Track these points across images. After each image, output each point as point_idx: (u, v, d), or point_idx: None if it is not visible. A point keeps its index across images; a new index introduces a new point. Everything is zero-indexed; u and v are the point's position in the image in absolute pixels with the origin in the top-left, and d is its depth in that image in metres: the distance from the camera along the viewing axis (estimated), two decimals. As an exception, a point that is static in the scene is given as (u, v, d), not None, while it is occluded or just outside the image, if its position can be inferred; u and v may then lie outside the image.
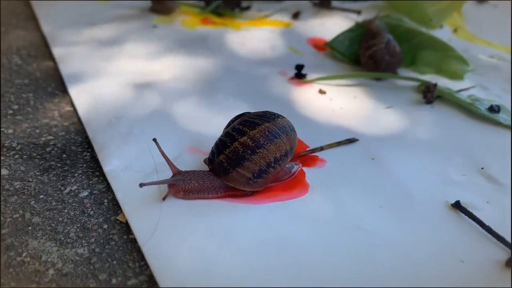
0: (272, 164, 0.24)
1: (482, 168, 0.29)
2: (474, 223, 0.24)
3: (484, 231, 0.24)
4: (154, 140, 0.24)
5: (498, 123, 0.34)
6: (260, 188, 0.24)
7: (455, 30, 0.51)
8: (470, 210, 0.25)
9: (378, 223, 0.24)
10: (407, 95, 0.37)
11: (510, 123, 0.33)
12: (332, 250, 0.22)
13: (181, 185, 0.23)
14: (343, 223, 0.24)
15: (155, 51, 0.39)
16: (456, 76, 0.40)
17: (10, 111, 0.32)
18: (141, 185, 0.22)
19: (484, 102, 0.35)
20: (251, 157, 0.23)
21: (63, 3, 0.47)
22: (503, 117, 0.34)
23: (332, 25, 0.47)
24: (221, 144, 0.24)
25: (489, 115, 0.34)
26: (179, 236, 0.22)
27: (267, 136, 0.24)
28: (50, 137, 0.29)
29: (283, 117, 0.25)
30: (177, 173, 0.24)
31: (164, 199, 0.24)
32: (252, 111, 0.32)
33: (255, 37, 0.43)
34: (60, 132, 0.30)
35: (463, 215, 0.25)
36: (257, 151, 0.23)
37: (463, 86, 0.39)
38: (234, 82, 0.36)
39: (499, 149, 0.31)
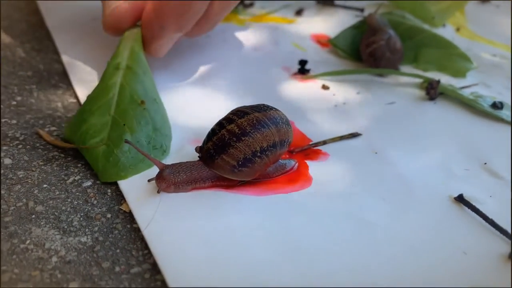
0: (258, 154, 0.23)
1: (485, 163, 0.29)
2: (477, 216, 0.24)
3: (487, 224, 0.24)
4: (126, 141, 0.24)
5: (500, 119, 0.34)
6: (246, 178, 0.24)
7: (457, 29, 0.51)
8: (473, 204, 0.25)
9: (381, 215, 0.24)
10: (410, 92, 0.37)
11: (511, 119, 0.33)
12: (337, 242, 0.22)
13: (171, 179, 0.23)
14: (346, 216, 0.24)
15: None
16: (459, 73, 0.40)
17: (14, 102, 0.32)
18: (149, 180, 0.23)
19: (487, 99, 0.35)
20: (236, 144, 0.23)
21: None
22: (505, 113, 0.34)
23: (336, 22, 0.47)
24: (211, 132, 0.24)
25: (492, 111, 0.34)
26: (179, 222, 0.22)
27: (254, 125, 0.23)
28: (54, 128, 0.29)
29: (277, 110, 0.25)
30: (164, 167, 0.24)
31: (158, 192, 0.23)
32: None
33: (258, 33, 0.43)
34: (64, 123, 0.30)
35: (466, 208, 0.25)
36: (243, 138, 0.23)
37: (465, 84, 0.39)
38: (237, 77, 0.36)
39: (502, 144, 0.31)
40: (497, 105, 0.34)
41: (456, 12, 0.53)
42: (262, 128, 0.24)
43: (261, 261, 0.21)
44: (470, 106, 0.35)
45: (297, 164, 0.27)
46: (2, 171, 0.25)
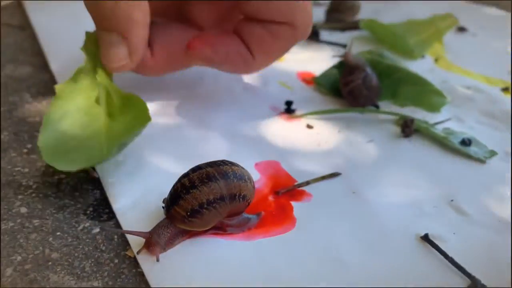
0: (205, 206, 0.26)
1: (452, 200, 0.32)
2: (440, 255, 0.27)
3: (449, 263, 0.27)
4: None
5: (469, 156, 0.37)
6: (200, 229, 0.27)
7: (436, 60, 0.54)
8: (438, 242, 0.28)
9: (357, 256, 0.27)
10: (388, 128, 0.40)
11: (480, 156, 0.37)
12: (316, 282, 0.25)
13: (160, 243, 0.26)
14: (326, 257, 0.27)
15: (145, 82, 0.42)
16: (434, 108, 0.43)
17: (25, 150, 0.35)
18: (138, 253, 0.26)
19: (457, 135, 0.39)
20: (185, 196, 0.26)
21: (69, 35, 0.49)
22: (473, 150, 0.37)
23: (321, 59, 0.50)
24: (172, 186, 0.27)
25: (461, 148, 0.37)
26: (179, 266, 0.25)
27: (203, 179, 0.26)
28: (63, 176, 0.32)
29: (235, 165, 0.28)
30: (149, 236, 0.26)
31: (158, 260, 0.26)
32: (235, 147, 0.36)
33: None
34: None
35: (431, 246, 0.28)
36: (191, 191, 0.26)
37: (440, 118, 0.42)
38: (226, 118, 0.39)
39: (469, 181, 0.34)
40: (466, 142, 0.38)
41: (435, 43, 0.57)
42: (209, 182, 0.26)
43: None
44: (442, 143, 0.38)
45: (257, 220, 0.29)
46: (19, 220, 0.29)
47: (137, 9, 0.30)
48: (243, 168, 0.28)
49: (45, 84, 0.44)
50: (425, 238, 0.28)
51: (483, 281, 0.26)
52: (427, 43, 0.56)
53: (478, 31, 0.62)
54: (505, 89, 0.49)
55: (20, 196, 0.30)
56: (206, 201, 0.26)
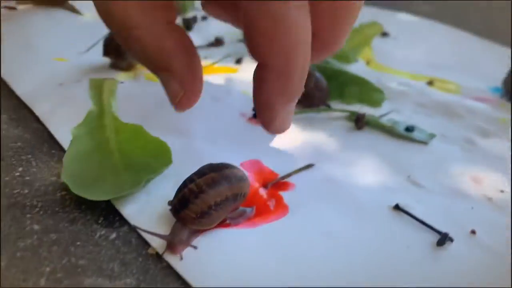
0: (213, 207, 0.30)
1: (409, 176, 0.39)
2: (411, 218, 0.33)
3: (419, 223, 0.33)
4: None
5: (414, 140, 0.44)
6: (209, 227, 0.31)
7: (367, 63, 0.62)
8: (407, 209, 0.34)
9: (344, 227, 0.32)
10: (342, 124, 0.46)
11: (422, 139, 0.44)
12: (317, 253, 0.30)
13: (179, 242, 0.29)
14: (319, 231, 0.32)
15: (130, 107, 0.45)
16: (375, 104, 0.50)
17: (17, 173, 0.36)
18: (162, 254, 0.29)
19: (401, 124, 0.45)
20: (194, 201, 0.29)
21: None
22: (416, 134, 0.44)
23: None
24: (178, 189, 0.31)
25: (406, 134, 0.44)
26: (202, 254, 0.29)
27: (209, 184, 0.30)
28: (64, 192, 0.34)
29: (233, 167, 0.32)
30: (169, 238, 0.29)
31: (181, 259, 0.29)
32: (218, 152, 0.39)
33: (212, 84, 0.50)
34: (72, 187, 0.35)
35: (402, 213, 0.34)
36: (200, 195, 0.30)
37: (382, 112, 0.49)
38: (204, 127, 0.43)
39: (418, 159, 0.41)
40: (409, 129, 0.44)
41: (365, 48, 0.65)
42: (216, 186, 0.30)
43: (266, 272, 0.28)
44: (390, 131, 0.45)
45: (253, 211, 0.33)
46: (35, 236, 0.30)
47: (167, 39, 0.29)
48: (240, 169, 0.32)
49: (16, 109, 0.44)
50: (397, 207, 0.34)
51: (446, 235, 0.32)
52: (358, 48, 0.63)
53: (398, 34, 0.71)
54: (429, 83, 0.57)
55: (28, 215, 0.32)
56: (214, 204, 0.30)
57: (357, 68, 0.59)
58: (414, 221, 0.33)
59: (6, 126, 0.42)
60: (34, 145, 0.40)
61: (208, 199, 0.30)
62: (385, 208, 0.34)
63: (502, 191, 0.37)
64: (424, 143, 0.44)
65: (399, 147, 0.43)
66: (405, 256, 0.30)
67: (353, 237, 0.32)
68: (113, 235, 0.31)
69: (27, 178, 0.36)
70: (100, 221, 0.32)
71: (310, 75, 0.48)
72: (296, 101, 0.28)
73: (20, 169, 0.37)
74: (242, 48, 0.62)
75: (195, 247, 0.29)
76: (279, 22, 0.23)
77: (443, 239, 0.31)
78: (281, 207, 0.34)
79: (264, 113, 0.28)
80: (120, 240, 0.31)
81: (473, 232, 0.32)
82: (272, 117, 0.28)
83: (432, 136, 0.44)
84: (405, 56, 0.65)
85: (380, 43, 0.68)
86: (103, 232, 0.31)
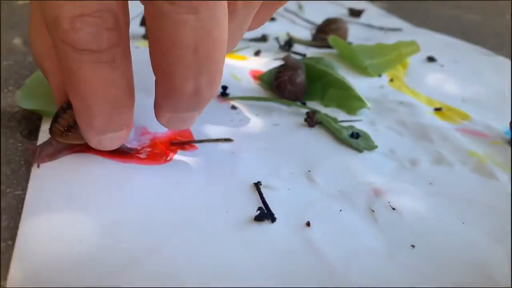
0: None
1: (309, 171, 0.39)
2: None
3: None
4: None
5: (352, 146, 0.43)
6: (75, 141, 0.35)
7: (391, 80, 0.60)
8: (269, 192, 0.35)
9: (197, 189, 0.35)
10: (298, 120, 0.47)
11: (359, 147, 0.43)
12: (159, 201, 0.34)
13: (42, 154, 0.34)
14: (171, 185, 0.35)
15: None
16: (351, 111, 0.50)
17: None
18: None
19: (350, 130, 0.45)
20: (63, 116, 0.34)
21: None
22: (356, 142, 0.43)
23: (279, 63, 0.58)
24: None
25: (348, 139, 0.44)
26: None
27: None
28: None
29: None
30: (35, 148, 0.35)
31: (38, 166, 0.34)
32: None
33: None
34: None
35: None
36: (68, 111, 0.34)
37: (355, 119, 0.48)
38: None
39: (335, 162, 0.40)
40: (354, 135, 0.44)
41: (396, 65, 0.63)
42: None
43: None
44: (335, 134, 0.45)
45: (132, 150, 0.37)
46: None
47: (45, 60, 0.34)
48: None
49: None
50: (256, 184, 0.36)
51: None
52: (388, 64, 0.62)
53: (447, 63, 0.67)
54: (437, 109, 0.54)
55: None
56: None
57: (374, 82, 0.59)
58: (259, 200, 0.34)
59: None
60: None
61: (73, 114, 0.32)
62: (248, 184, 0.36)
63: (393, 209, 0.35)
64: (358, 150, 0.43)
65: (331, 149, 0.43)
66: (224, 217, 0.32)
67: (199, 193, 0.34)
68: None
69: None
70: None
71: (289, 69, 0.50)
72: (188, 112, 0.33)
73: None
74: (273, 44, 0.67)
75: (38, 166, 0.34)
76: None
77: (264, 215, 0.32)
78: (160, 158, 0.38)
79: (155, 108, 0.32)
80: None
81: (307, 224, 0.32)
82: (158, 114, 0.33)
83: (373, 147, 0.43)
84: (440, 83, 0.61)
85: (421, 66, 0.65)
86: None
